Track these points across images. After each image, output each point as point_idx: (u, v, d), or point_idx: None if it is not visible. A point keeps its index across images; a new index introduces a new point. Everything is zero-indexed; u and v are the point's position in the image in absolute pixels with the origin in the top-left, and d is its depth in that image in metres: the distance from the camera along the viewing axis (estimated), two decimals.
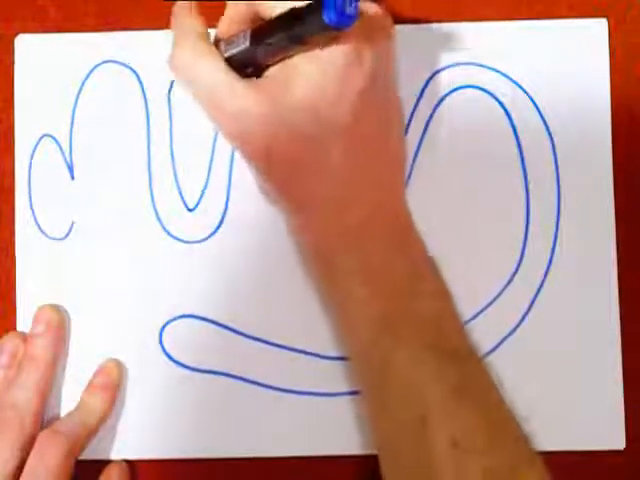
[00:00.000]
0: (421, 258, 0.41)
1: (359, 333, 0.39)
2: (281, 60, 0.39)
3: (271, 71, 0.39)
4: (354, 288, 0.39)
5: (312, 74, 0.37)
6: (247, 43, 0.39)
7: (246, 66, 0.40)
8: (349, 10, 0.34)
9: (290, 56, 0.38)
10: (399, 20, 0.47)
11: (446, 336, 0.39)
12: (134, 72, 0.47)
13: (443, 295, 0.41)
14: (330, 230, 0.39)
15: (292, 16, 0.37)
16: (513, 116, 0.47)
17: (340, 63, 0.37)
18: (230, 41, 0.41)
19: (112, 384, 0.46)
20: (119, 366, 0.46)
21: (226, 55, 0.40)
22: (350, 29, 0.35)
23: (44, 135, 0.48)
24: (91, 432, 0.45)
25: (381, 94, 0.40)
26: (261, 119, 0.38)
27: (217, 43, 0.41)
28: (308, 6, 0.36)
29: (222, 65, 0.39)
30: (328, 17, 0.34)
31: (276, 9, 0.38)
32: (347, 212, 0.38)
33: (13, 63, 0.48)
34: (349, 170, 0.38)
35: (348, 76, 0.38)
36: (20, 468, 0.43)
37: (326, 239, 0.39)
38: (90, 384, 0.46)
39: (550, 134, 0.47)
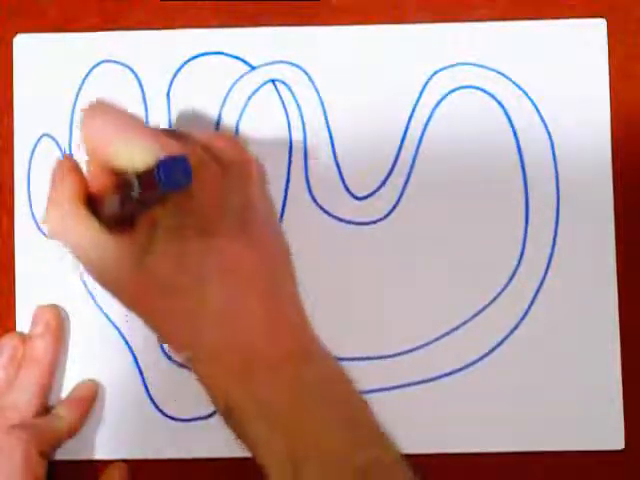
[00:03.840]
0: (318, 386, 0.39)
1: (271, 473, 0.38)
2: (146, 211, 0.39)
3: (140, 222, 0.40)
4: (252, 432, 0.38)
5: (169, 223, 0.38)
6: (108, 208, 0.40)
7: (113, 220, 0.40)
8: (177, 178, 0.35)
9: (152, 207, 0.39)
10: (401, 20, 0.47)
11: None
12: (133, 72, 0.47)
13: (347, 411, 0.39)
14: (220, 377, 0.38)
15: (128, 182, 0.37)
16: (512, 116, 0.47)
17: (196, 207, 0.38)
18: (95, 198, 0.41)
19: (85, 400, 0.46)
20: (94, 386, 0.47)
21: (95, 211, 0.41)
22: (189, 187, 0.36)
23: (43, 135, 0.47)
24: (59, 434, 0.45)
25: (249, 222, 0.40)
26: (130, 269, 0.38)
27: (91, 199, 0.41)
28: (142, 174, 0.36)
29: (92, 223, 0.40)
30: (165, 182, 0.35)
31: (124, 164, 0.38)
32: (230, 355, 0.38)
33: (12, 63, 0.48)
34: (226, 311, 0.38)
35: (206, 218, 0.38)
36: None
37: (219, 387, 0.38)
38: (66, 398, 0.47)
39: (549, 134, 0.47)
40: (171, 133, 0.41)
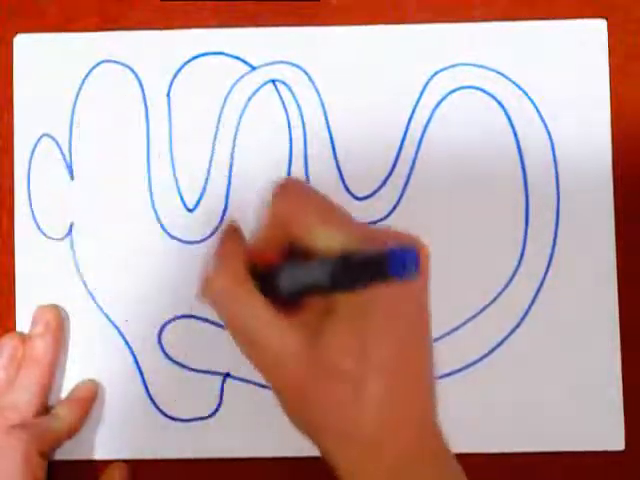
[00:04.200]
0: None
1: None
2: (318, 294, 0.37)
3: (310, 301, 0.38)
4: None
5: (355, 308, 0.36)
6: (286, 281, 0.37)
7: (281, 297, 0.38)
8: (411, 268, 0.34)
9: (328, 292, 0.37)
10: (401, 20, 0.47)
11: None
12: (133, 72, 0.47)
13: None
14: (367, 469, 0.37)
15: (346, 262, 0.35)
16: (512, 117, 0.47)
17: (386, 299, 0.36)
18: (269, 269, 0.38)
19: (85, 400, 0.46)
20: (94, 386, 0.47)
21: (262, 282, 0.38)
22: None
23: (43, 135, 0.48)
24: (59, 434, 0.45)
25: (422, 327, 0.39)
26: (296, 357, 0.37)
27: (254, 267, 0.39)
28: (367, 255, 0.35)
29: (259, 298, 0.37)
30: (395, 271, 0.33)
31: (321, 244, 0.37)
32: (384, 451, 0.37)
33: (12, 63, 0.48)
34: (388, 403, 0.37)
35: (393, 311, 0.37)
36: None
37: (367, 476, 0.37)
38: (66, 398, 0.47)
39: (550, 134, 0.47)
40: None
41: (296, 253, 0.38)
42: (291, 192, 0.38)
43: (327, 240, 0.37)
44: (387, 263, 0.34)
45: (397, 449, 0.37)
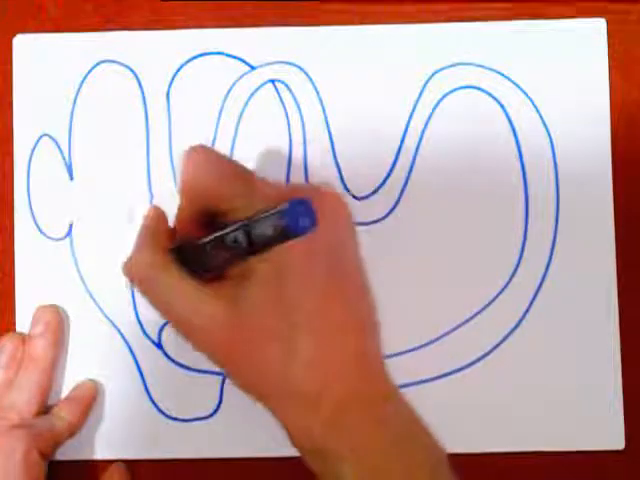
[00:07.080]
0: (404, 426, 0.39)
1: None
2: (239, 261, 0.38)
3: (230, 272, 0.39)
4: (342, 473, 0.37)
5: (268, 270, 0.37)
6: (204, 250, 0.39)
7: (205, 269, 0.39)
8: (305, 221, 0.35)
9: (247, 258, 0.38)
10: (401, 20, 0.47)
11: None
12: (133, 72, 0.47)
13: (431, 454, 0.39)
14: (308, 420, 0.38)
15: (246, 224, 0.37)
16: (512, 117, 0.47)
17: (297, 255, 0.37)
18: (188, 246, 0.40)
19: (85, 400, 0.46)
20: (94, 386, 0.47)
21: (185, 259, 0.40)
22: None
23: (43, 135, 0.48)
24: (59, 434, 0.45)
25: (342, 273, 0.39)
26: (219, 324, 0.37)
27: (176, 247, 0.40)
28: (264, 215, 0.36)
29: (177, 273, 0.39)
30: (292, 227, 0.35)
31: (232, 213, 0.38)
32: (321, 404, 0.37)
33: (12, 63, 0.48)
34: (318, 357, 0.37)
35: (306, 266, 0.37)
36: None
37: (307, 430, 0.38)
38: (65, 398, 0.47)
39: (549, 134, 0.47)
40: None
41: (217, 221, 0.39)
42: (195, 162, 0.39)
43: (235, 206, 0.38)
44: (284, 220, 0.35)
45: (333, 400, 0.37)
